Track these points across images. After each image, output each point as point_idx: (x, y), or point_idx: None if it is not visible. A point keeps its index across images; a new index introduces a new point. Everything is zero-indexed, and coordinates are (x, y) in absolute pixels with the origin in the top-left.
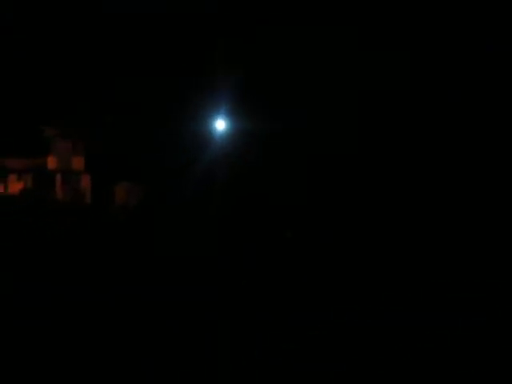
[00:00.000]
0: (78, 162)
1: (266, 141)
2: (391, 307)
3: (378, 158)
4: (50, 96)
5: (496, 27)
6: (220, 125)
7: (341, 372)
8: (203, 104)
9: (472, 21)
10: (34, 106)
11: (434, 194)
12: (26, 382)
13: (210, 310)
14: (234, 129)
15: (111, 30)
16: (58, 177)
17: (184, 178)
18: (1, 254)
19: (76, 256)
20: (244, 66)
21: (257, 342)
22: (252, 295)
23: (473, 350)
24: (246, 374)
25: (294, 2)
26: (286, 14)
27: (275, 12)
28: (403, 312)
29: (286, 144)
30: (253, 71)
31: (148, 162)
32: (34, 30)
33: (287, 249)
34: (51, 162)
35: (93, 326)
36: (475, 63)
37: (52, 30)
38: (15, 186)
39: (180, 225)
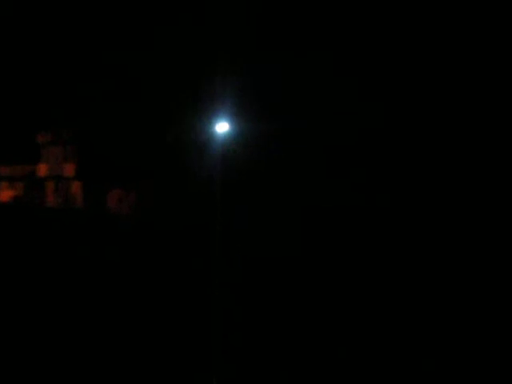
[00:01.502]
0: (69, 169)
1: (265, 143)
2: (391, 307)
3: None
4: (42, 102)
5: (496, 27)
6: (219, 128)
7: (341, 372)
8: (202, 107)
9: (472, 21)
10: (25, 113)
11: (435, 193)
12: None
13: (209, 309)
14: (233, 131)
15: (108, 31)
16: (49, 184)
17: (179, 184)
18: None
19: (68, 262)
20: (244, 67)
21: (256, 342)
22: (251, 295)
23: (473, 350)
24: (245, 374)
25: (295, 2)
26: (287, 16)
27: (276, 14)
28: (403, 312)
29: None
30: (253, 72)
31: (142, 169)
32: (25, 36)
33: (288, 248)
34: (42, 169)
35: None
36: (475, 63)
37: (46, 34)
38: (6, 194)
39: (173, 233)
